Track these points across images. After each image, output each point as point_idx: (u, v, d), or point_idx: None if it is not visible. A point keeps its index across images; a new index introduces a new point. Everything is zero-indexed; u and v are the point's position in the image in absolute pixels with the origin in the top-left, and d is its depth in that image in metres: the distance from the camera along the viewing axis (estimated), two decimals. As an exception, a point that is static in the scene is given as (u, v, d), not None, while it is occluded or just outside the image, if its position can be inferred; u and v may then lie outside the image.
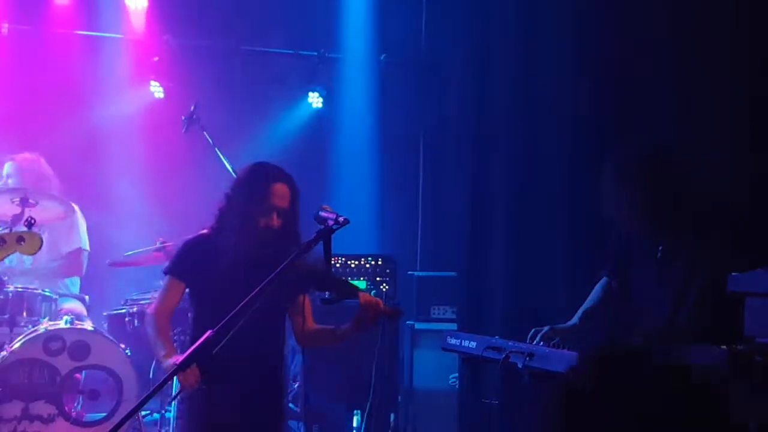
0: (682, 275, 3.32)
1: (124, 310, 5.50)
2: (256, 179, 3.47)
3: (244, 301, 2.85)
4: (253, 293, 2.87)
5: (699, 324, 3.23)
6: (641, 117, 4.39)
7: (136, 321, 5.43)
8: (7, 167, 5.65)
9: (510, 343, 3.27)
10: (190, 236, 3.61)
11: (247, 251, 3.40)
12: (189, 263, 3.50)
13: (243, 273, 3.26)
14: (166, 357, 3.27)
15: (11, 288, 5.03)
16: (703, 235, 3.31)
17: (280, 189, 3.43)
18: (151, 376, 5.19)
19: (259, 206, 3.40)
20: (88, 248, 5.78)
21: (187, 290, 3.53)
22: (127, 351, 4.99)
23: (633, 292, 3.52)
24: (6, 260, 5.53)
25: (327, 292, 3.32)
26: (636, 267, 3.50)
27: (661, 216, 3.39)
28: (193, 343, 2.95)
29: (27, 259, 5.61)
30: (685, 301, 3.28)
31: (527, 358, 3.12)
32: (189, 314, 3.71)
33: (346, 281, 3.59)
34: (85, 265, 5.77)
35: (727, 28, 3.95)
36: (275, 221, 3.41)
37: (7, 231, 4.22)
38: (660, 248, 3.39)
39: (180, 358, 3.12)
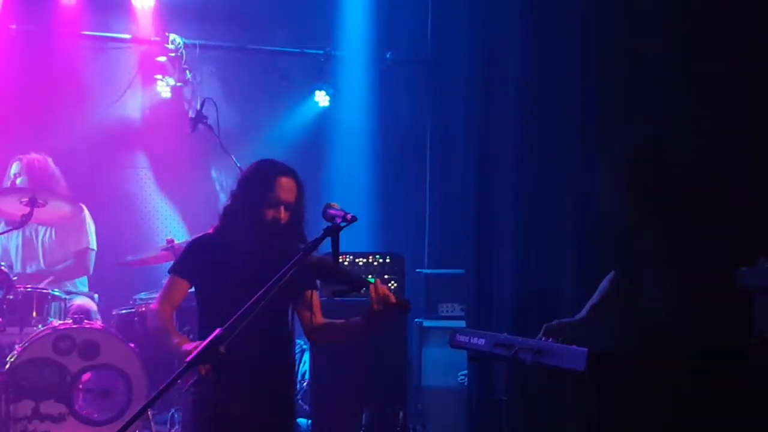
0: (682, 269, 3.31)
1: (133, 310, 5.51)
2: (263, 173, 3.49)
3: (253, 299, 2.85)
4: (261, 291, 2.87)
5: (700, 318, 3.22)
6: (647, 113, 4.39)
7: (144, 320, 5.44)
8: (15, 167, 5.67)
9: (519, 340, 3.26)
10: (196, 236, 3.63)
11: (254, 245, 3.41)
12: (194, 261, 3.51)
13: (250, 269, 3.28)
14: (180, 344, 3.25)
15: (21, 288, 5.05)
16: (701, 228, 3.30)
17: (287, 182, 3.45)
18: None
19: (266, 199, 3.41)
20: (95, 248, 5.80)
21: (193, 289, 3.54)
22: (136, 350, 5.00)
23: (636, 287, 3.52)
24: (14, 252, 5.61)
25: (338, 285, 3.32)
26: (637, 262, 3.50)
27: (658, 210, 3.38)
28: (200, 342, 2.96)
29: (42, 261, 5.65)
30: (686, 294, 3.27)
31: (536, 355, 3.12)
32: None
33: (357, 274, 3.59)
34: (92, 265, 5.79)
35: (727, 25, 3.95)
36: (282, 214, 3.42)
37: None
38: (659, 243, 3.39)
39: (192, 345, 3.14)
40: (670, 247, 3.34)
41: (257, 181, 3.47)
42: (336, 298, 3.43)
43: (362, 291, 3.33)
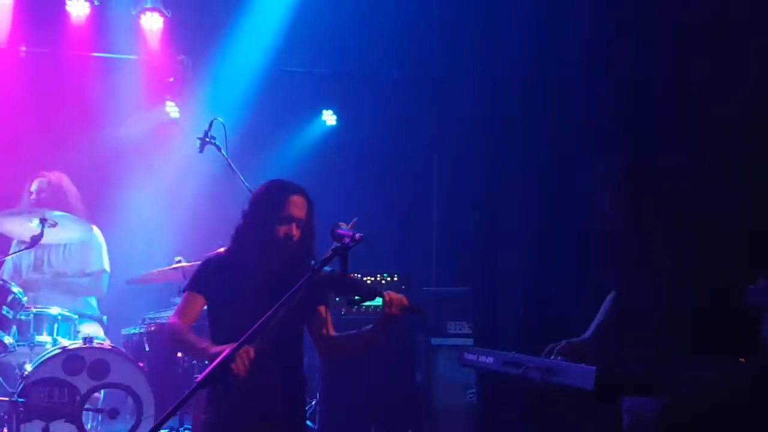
0: (676, 286, 3.31)
1: (142, 329, 5.52)
2: (274, 192, 3.54)
3: (263, 318, 2.87)
4: (271, 311, 2.89)
5: (698, 335, 3.22)
6: (654, 131, 4.41)
7: (153, 339, 5.45)
8: (35, 186, 5.72)
9: (527, 358, 3.27)
10: (210, 254, 3.66)
11: (268, 262, 3.44)
12: (209, 279, 3.54)
13: (262, 287, 3.30)
14: (208, 348, 3.23)
15: (32, 309, 5.07)
16: (696, 244, 3.30)
17: (298, 200, 3.51)
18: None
19: (278, 216, 3.46)
20: (109, 270, 5.83)
21: (206, 308, 3.56)
22: (145, 369, 5.02)
23: (632, 304, 3.52)
24: (25, 270, 5.63)
25: (351, 295, 3.35)
26: (632, 278, 3.50)
27: (651, 225, 3.39)
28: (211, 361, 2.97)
29: (51, 270, 5.67)
30: (681, 310, 3.27)
31: (545, 373, 3.12)
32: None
33: (367, 283, 3.62)
34: (106, 286, 5.82)
35: (727, 43, 3.99)
36: (294, 231, 3.46)
37: None
38: (652, 259, 3.39)
39: (220, 348, 3.07)
40: (666, 266, 3.34)
41: (269, 200, 3.52)
42: (345, 314, 3.45)
43: (374, 298, 3.36)
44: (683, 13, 4.26)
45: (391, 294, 3.35)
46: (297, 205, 3.50)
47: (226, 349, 2.88)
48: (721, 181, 3.85)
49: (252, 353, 2.99)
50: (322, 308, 3.58)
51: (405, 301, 3.35)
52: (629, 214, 3.43)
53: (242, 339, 2.80)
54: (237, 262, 3.52)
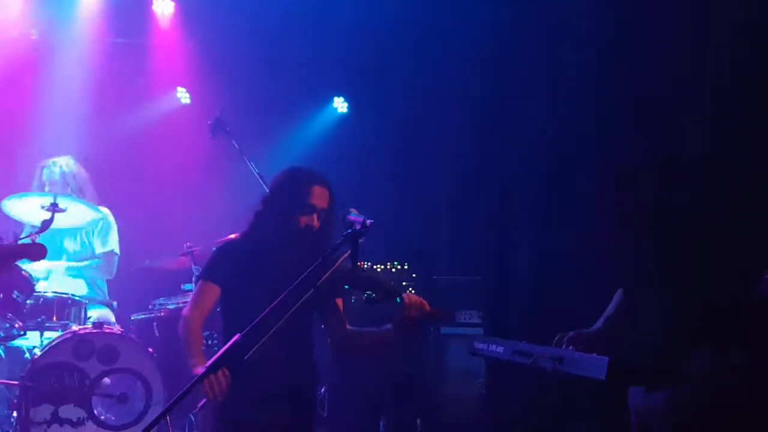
0: (684, 282, 3.28)
1: (151, 315, 5.52)
2: (297, 180, 3.51)
3: (272, 305, 2.86)
4: (279, 297, 2.88)
5: (703, 329, 3.19)
6: (667, 124, 4.38)
7: (163, 325, 5.45)
8: (45, 171, 5.71)
9: (538, 348, 3.24)
10: (223, 241, 3.64)
11: (286, 251, 3.42)
12: (225, 267, 3.51)
13: (281, 274, 3.27)
14: (195, 366, 3.24)
15: (41, 293, 5.08)
16: (702, 242, 3.27)
17: (320, 190, 3.49)
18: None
19: (300, 206, 3.44)
20: (119, 252, 5.84)
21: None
22: (155, 355, 5.02)
23: (638, 300, 3.49)
24: (39, 268, 5.64)
25: (368, 292, 3.32)
26: (641, 275, 3.47)
27: (658, 224, 3.36)
28: (222, 347, 2.96)
29: (65, 257, 5.68)
30: (694, 302, 3.24)
31: (556, 363, 3.09)
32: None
33: (388, 282, 3.58)
34: (115, 268, 5.83)
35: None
36: (316, 221, 3.44)
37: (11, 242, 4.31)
38: (659, 257, 3.36)
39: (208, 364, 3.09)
40: (661, 268, 3.31)
41: (292, 189, 3.49)
42: (355, 301, 3.42)
43: (390, 299, 3.32)
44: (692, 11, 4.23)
45: (411, 297, 3.31)
46: (320, 196, 3.48)
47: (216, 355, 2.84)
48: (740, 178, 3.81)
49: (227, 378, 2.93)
50: (339, 301, 3.56)
51: (425, 305, 3.31)
52: (649, 211, 3.39)
53: (252, 324, 2.78)
54: (253, 250, 3.49)
